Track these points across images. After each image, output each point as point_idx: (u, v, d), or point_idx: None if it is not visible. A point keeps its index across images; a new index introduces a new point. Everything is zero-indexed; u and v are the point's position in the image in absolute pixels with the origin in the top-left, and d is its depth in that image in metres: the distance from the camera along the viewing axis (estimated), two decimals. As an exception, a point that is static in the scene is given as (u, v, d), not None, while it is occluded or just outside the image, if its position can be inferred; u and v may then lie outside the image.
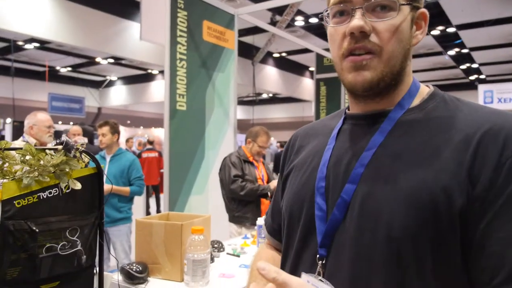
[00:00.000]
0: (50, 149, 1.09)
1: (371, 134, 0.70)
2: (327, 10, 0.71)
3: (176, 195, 3.10)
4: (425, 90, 0.74)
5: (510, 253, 0.55)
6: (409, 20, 0.69)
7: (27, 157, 1.04)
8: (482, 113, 0.65)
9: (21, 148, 1.04)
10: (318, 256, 0.69)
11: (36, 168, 1.05)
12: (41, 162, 1.05)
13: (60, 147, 1.10)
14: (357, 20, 0.66)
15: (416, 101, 0.72)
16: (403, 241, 0.60)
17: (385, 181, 0.65)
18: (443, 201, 0.59)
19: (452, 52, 11.29)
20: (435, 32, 9.43)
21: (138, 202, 6.38)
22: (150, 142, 8.79)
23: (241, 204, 3.24)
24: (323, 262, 0.68)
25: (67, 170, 1.11)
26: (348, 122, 0.77)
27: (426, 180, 0.61)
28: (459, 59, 12.09)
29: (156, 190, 8.39)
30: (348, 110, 0.80)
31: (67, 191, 1.12)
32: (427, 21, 0.73)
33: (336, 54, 0.71)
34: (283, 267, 0.80)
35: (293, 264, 0.75)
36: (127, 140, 10.05)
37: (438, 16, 8.32)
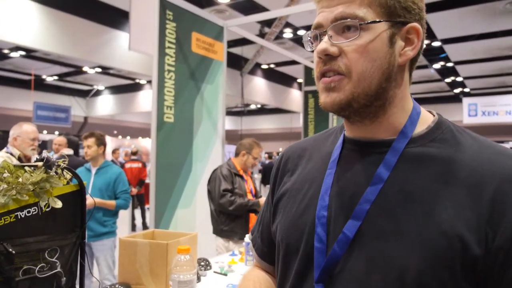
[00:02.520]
0: (29, 165, 1.05)
1: (375, 165, 0.66)
2: (310, 36, 0.72)
3: (162, 208, 3.04)
4: (428, 117, 0.71)
5: None
6: (386, 37, 0.65)
7: (5, 175, 0.99)
8: (495, 153, 0.63)
9: (-2, 166, 0.99)
10: None
11: (14, 186, 1.00)
12: (20, 180, 1.00)
13: (40, 163, 1.05)
14: (321, 43, 0.66)
15: (419, 129, 0.68)
16: (417, 286, 0.58)
17: (395, 222, 0.61)
18: (459, 249, 0.56)
19: (437, 66, 11.49)
20: (421, 46, 9.59)
21: (124, 214, 6.27)
22: (134, 153, 8.73)
23: (230, 218, 3.19)
24: None
25: (47, 187, 1.06)
26: (348, 147, 0.73)
27: (441, 224, 0.58)
28: (444, 72, 12.30)
29: (140, 201, 8.29)
30: (345, 131, 0.77)
31: (47, 209, 1.07)
32: (421, 36, 0.68)
33: (315, 76, 0.71)
34: None
35: None
36: (113, 151, 9.87)
37: (424, 30, 8.48)
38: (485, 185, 0.58)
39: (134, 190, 8.00)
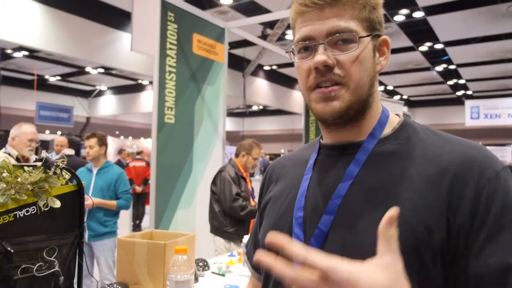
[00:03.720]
0: (28, 165, 1.06)
1: (346, 165, 0.72)
2: (292, 47, 0.74)
3: (162, 209, 3.05)
4: (395, 119, 0.77)
5: (501, 280, 0.56)
6: (371, 49, 0.72)
7: (4, 174, 1.01)
8: (454, 145, 0.68)
9: (-3, 166, 1.00)
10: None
11: (13, 185, 1.01)
12: (19, 180, 1.02)
13: (39, 163, 1.06)
14: (320, 55, 0.68)
15: (387, 130, 0.74)
16: None
17: (364, 214, 0.66)
18: (423, 235, 0.60)
19: (439, 68, 11.47)
20: (423, 48, 9.59)
21: (125, 213, 6.28)
22: (138, 153, 8.90)
23: (235, 221, 3.20)
24: None
25: (46, 187, 1.07)
26: (323, 153, 0.79)
27: (405, 214, 0.61)
28: (447, 75, 12.29)
29: (141, 202, 8.31)
30: (322, 139, 0.82)
31: (46, 209, 1.08)
32: (389, 47, 0.76)
33: (303, 87, 0.74)
34: None
35: None
36: (119, 151, 9.87)
37: (426, 33, 8.48)
38: (444, 174, 0.63)
39: (138, 189, 8.03)
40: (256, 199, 3.29)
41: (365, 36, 0.70)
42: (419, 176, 0.65)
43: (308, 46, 0.71)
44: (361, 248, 0.63)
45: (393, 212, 0.50)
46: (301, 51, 0.73)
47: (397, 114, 0.79)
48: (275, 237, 0.51)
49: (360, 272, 0.47)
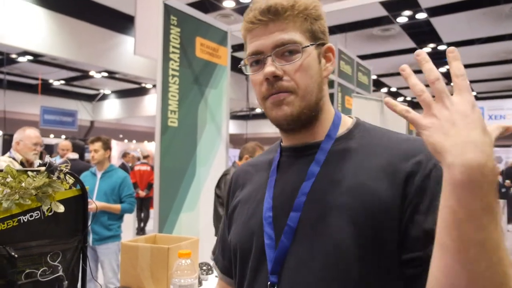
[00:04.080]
0: (32, 170, 1.06)
1: (308, 165, 0.78)
2: (245, 62, 0.81)
3: (166, 212, 3.05)
4: (348, 120, 0.84)
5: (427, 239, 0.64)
6: (315, 57, 0.78)
7: (8, 179, 1.01)
8: (400, 139, 0.77)
9: (1, 171, 1.00)
10: (269, 283, 0.74)
11: (17, 190, 1.01)
12: (23, 184, 1.02)
13: (42, 168, 1.06)
14: (269, 67, 0.75)
15: (341, 130, 0.82)
16: (353, 255, 0.68)
17: (328, 207, 0.73)
18: (382, 216, 0.69)
19: (443, 69, 11.44)
20: (427, 49, 9.57)
21: (129, 217, 6.28)
22: (145, 157, 8.93)
23: None
24: None
25: (49, 192, 1.08)
26: (285, 155, 0.85)
27: (365, 200, 0.70)
28: (450, 76, 12.24)
29: (145, 206, 8.32)
30: (282, 142, 0.88)
31: (49, 214, 1.08)
32: (335, 53, 0.83)
33: (259, 97, 0.81)
34: None
35: None
36: (124, 155, 9.86)
37: (429, 34, 8.45)
38: (397, 163, 0.72)
39: (142, 193, 8.04)
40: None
41: (308, 46, 0.76)
42: (374, 168, 0.73)
43: (258, 59, 0.78)
44: (329, 239, 0.71)
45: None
46: (253, 65, 0.80)
47: (349, 116, 0.86)
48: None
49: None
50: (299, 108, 0.76)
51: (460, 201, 0.50)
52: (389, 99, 0.56)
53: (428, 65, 0.56)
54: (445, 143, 0.52)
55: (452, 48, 0.56)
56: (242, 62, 0.82)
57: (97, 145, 3.44)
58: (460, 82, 0.55)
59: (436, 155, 0.53)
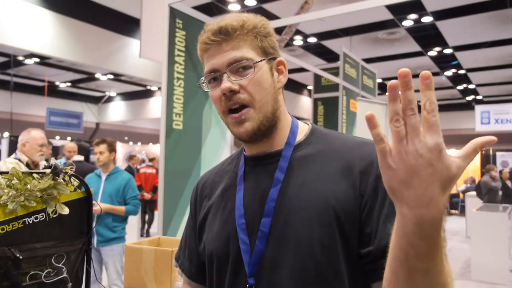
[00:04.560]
0: (37, 173, 1.07)
1: (272, 172, 0.84)
2: (203, 79, 0.86)
3: (170, 215, 3.05)
4: (304, 127, 0.91)
5: (380, 232, 0.74)
6: (268, 70, 0.84)
7: (13, 181, 1.02)
8: (354, 144, 0.84)
9: (7, 173, 1.01)
10: (248, 285, 0.79)
11: (22, 192, 1.02)
12: (28, 187, 1.03)
13: (48, 170, 1.07)
14: (225, 83, 0.81)
15: (299, 137, 0.88)
16: (322, 253, 0.75)
17: (295, 209, 0.79)
18: (344, 215, 0.76)
19: (449, 73, 11.39)
20: (432, 53, 9.54)
21: (133, 219, 6.30)
22: (150, 160, 8.98)
23: None
24: None
25: (54, 194, 1.08)
26: (249, 164, 0.90)
27: (328, 201, 0.77)
28: (456, 79, 12.20)
29: (150, 208, 8.33)
30: (244, 151, 0.93)
31: (54, 216, 1.09)
32: (286, 66, 0.89)
33: (219, 111, 0.86)
34: None
35: None
36: (130, 157, 9.93)
37: (435, 38, 8.43)
38: (353, 166, 0.79)
39: (147, 196, 8.05)
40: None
41: (259, 61, 0.82)
42: (333, 171, 0.80)
43: (214, 77, 0.83)
44: (298, 241, 0.77)
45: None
46: (211, 82, 0.85)
47: (305, 122, 0.92)
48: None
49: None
50: (258, 121, 0.82)
51: (410, 244, 0.56)
52: (371, 115, 0.54)
53: (408, 93, 0.53)
54: (404, 192, 0.54)
55: (427, 73, 0.53)
56: (200, 80, 0.87)
57: (102, 147, 3.45)
58: (431, 119, 0.52)
59: (392, 198, 0.56)
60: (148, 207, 8.34)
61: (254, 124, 0.81)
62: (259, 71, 0.82)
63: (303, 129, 0.90)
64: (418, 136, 0.52)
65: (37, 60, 10.22)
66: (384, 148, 0.54)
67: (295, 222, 0.78)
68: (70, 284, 1.10)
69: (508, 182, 8.45)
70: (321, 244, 0.76)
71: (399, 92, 0.54)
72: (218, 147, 3.62)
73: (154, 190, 8.03)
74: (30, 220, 1.04)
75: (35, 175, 1.06)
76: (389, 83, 0.53)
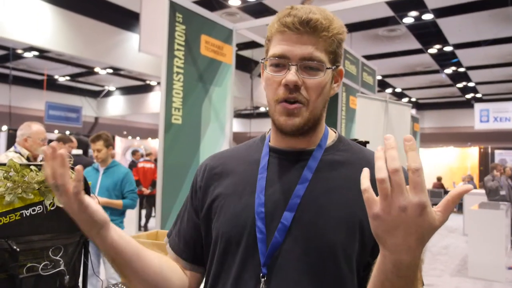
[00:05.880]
0: (35, 165, 1.06)
1: (300, 169, 0.85)
2: (265, 59, 0.85)
3: (169, 209, 3.06)
4: (332, 134, 0.94)
5: None
6: (330, 78, 0.86)
7: (11, 173, 1.01)
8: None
9: (5, 164, 1.01)
10: (261, 274, 0.80)
11: (20, 184, 1.02)
12: (25, 179, 1.02)
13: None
14: (292, 75, 0.80)
15: (328, 142, 0.90)
16: (344, 259, 0.78)
17: (322, 211, 0.81)
18: (366, 224, 0.74)
19: (449, 71, 11.38)
20: (432, 50, 9.52)
21: (131, 213, 6.30)
22: (147, 154, 9.04)
23: None
24: (265, 279, 0.80)
25: (52, 187, 1.08)
26: (275, 156, 0.90)
27: (355, 211, 0.80)
28: (456, 77, 12.19)
29: (149, 203, 8.32)
30: (270, 142, 0.93)
31: (52, 208, 1.09)
32: (343, 76, 0.91)
33: (271, 98, 0.85)
34: None
35: (233, 284, 0.83)
36: (133, 153, 10.28)
37: (435, 35, 8.41)
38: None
39: (146, 191, 8.05)
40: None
41: (330, 68, 0.83)
42: (357, 178, 0.80)
43: (281, 63, 0.82)
44: (322, 240, 0.79)
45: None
46: (274, 65, 0.83)
47: (331, 129, 0.95)
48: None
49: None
50: (307, 119, 0.83)
51: (388, 279, 0.64)
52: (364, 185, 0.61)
53: (391, 153, 0.58)
54: (387, 240, 0.61)
55: (409, 136, 0.58)
56: (263, 60, 0.86)
57: (99, 144, 3.44)
58: (416, 179, 0.57)
59: (377, 240, 0.63)
60: (147, 201, 8.35)
61: (302, 121, 0.83)
62: (326, 77, 0.83)
63: (332, 135, 0.93)
64: (403, 193, 0.57)
65: (36, 53, 10.18)
66: (369, 198, 0.60)
67: (321, 222, 0.80)
68: (67, 277, 1.10)
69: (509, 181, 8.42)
70: (344, 250, 0.79)
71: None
72: (217, 141, 3.62)
73: (154, 184, 8.03)
74: (28, 212, 1.04)
75: (32, 167, 1.05)
76: (376, 152, 0.59)
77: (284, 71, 0.81)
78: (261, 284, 0.79)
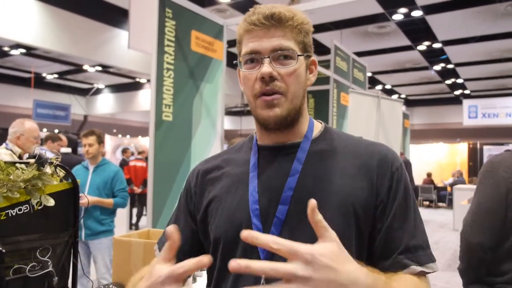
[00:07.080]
0: (21, 162, 1.03)
1: (290, 162, 0.87)
2: (239, 58, 0.88)
3: (160, 207, 3.02)
4: (318, 124, 0.95)
5: (404, 237, 0.82)
6: (304, 67, 0.88)
7: (-4, 172, 0.97)
8: (367, 144, 0.91)
9: (-11, 163, 0.97)
10: None
11: (5, 183, 0.98)
12: (11, 177, 0.99)
13: (32, 160, 1.03)
14: (267, 67, 0.82)
15: (315, 133, 0.92)
16: (341, 243, 0.78)
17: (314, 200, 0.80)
18: (362, 211, 0.82)
19: (437, 67, 11.47)
20: (422, 47, 9.58)
21: (122, 212, 6.23)
22: (140, 153, 9.02)
23: None
24: None
25: (39, 185, 1.04)
26: (264, 153, 0.91)
27: (347, 197, 0.82)
28: (445, 74, 12.29)
29: (140, 202, 8.25)
30: (257, 141, 0.94)
31: (39, 207, 1.05)
32: (317, 66, 0.93)
33: (250, 94, 0.87)
34: None
35: (234, 282, 0.84)
36: (124, 151, 10.25)
37: (424, 32, 8.46)
38: (369, 165, 0.85)
39: (138, 189, 7.98)
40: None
41: (301, 55, 0.85)
42: (349, 167, 0.85)
43: (254, 58, 0.84)
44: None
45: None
46: (247, 63, 0.86)
47: (317, 121, 0.96)
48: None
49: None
50: (288, 110, 0.84)
51: None
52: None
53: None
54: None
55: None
56: (238, 59, 0.89)
57: (92, 139, 3.38)
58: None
59: None
60: (138, 200, 8.27)
61: (283, 111, 0.84)
62: (299, 65, 0.85)
63: (317, 126, 0.94)
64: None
65: (23, 51, 10.01)
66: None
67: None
68: (56, 278, 1.07)
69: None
70: (341, 238, 0.78)
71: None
72: (209, 139, 3.58)
73: (145, 183, 7.95)
74: (14, 212, 1.00)
75: (18, 165, 1.02)
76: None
77: (258, 66, 0.84)
78: (262, 279, 0.79)
